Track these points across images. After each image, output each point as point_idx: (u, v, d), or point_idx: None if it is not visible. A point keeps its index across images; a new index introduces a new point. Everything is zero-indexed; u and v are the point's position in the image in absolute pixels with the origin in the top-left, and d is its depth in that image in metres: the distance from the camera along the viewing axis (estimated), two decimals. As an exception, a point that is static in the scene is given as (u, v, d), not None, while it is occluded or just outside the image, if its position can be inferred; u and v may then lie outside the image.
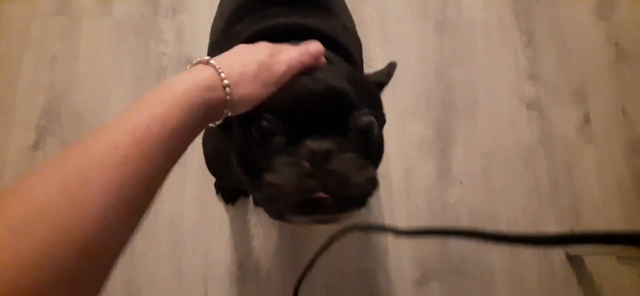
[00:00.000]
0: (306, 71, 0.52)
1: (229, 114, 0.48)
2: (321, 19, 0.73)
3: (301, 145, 0.48)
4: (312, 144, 0.47)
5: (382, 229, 0.55)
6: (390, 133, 1.24)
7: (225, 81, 0.45)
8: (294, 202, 0.48)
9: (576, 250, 1.18)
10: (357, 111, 0.50)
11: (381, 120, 0.58)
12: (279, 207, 0.50)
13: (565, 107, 1.30)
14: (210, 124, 0.48)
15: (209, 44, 0.85)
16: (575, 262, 1.19)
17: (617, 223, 1.22)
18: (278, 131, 0.50)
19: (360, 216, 0.52)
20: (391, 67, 0.63)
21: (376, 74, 0.63)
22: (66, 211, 0.31)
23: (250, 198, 1.19)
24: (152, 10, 1.31)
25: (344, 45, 0.71)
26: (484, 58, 1.33)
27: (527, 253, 1.19)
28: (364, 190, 0.50)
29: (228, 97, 0.45)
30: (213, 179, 1.16)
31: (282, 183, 0.48)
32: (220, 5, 0.88)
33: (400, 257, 1.17)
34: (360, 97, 0.52)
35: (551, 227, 1.21)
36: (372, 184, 0.50)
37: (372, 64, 1.30)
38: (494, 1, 1.38)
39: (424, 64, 1.32)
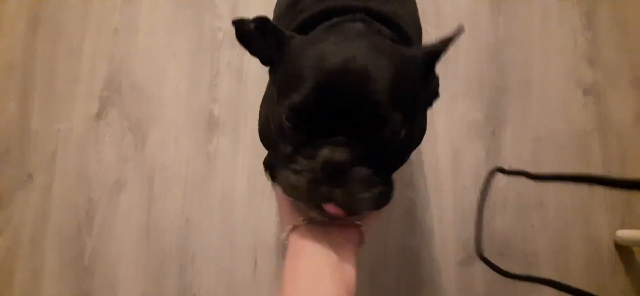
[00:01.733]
0: (352, 63, 0.49)
1: None
2: (388, 3, 0.72)
3: (320, 148, 0.48)
4: (328, 152, 0.47)
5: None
6: (439, 113, 1.25)
7: None
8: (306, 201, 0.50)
9: (627, 240, 1.16)
10: (386, 124, 0.48)
11: (416, 118, 0.56)
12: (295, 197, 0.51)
13: (624, 93, 1.25)
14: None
15: (273, 17, 0.85)
16: (623, 252, 1.18)
17: (670, 216, 1.19)
18: (302, 128, 0.49)
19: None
20: (455, 33, 0.59)
21: (434, 44, 0.58)
22: None
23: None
24: (208, -15, 1.34)
25: (406, 32, 0.71)
26: (540, 39, 1.29)
27: (575, 239, 1.18)
28: (370, 207, 0.50)
29: None
30: (264, 154, 1.20)
31: (294, 185, 0.49)
32: None
33: (445, 237, 1.19)
34: (397, 102, 0.49)
35: (601, 216, 1.19)
36: (380, 201, 0.50)
37: (425, 42, 1.28)
38: (554, -20, 1.33)
39: (477, 44, 1.30)
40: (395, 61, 0.51)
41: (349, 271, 0.49)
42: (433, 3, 1.32)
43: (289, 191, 0.50)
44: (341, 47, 0.50)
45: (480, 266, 1.17)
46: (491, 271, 1.17)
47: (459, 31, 0.58)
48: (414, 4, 0.86)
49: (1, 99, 1.28)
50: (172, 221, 1.20)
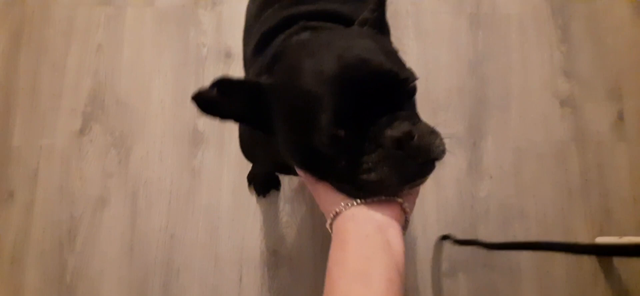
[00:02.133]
0: (345, 54, 0.50)
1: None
2: (348, 4, 0.74)
3: (378, 137, 0.49)
4: (391, 131, 0.48)
5: (475, 242, 0.57)
6: (421, 126, 1.27)
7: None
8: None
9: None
10: (406, 80, 0.51)
11: None
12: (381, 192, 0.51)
13: (600, 104, 1.29)
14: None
15: (244, 27, 0.88)
16: (603, 259, 1.20)
17: (647, 222, 1.22)
18: (346, 131, 0.49)
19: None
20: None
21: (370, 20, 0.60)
22: None
23: (282, 190, 1.23)
24: (192, 1, 1.35)
25: None
26: (517, 53, 1.33)
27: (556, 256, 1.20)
28: (444, 148, 0.51)
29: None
30: (248, 168, 1.20)
31: (383, 178, 0.49)
32: None
33: (429, 248, 1.20)
34: (395, 59, 0.52)
35: (581, 224, 1.22)
36: (443, 140, 0.52)
37: (406, 57, 1.31)
38: (530, -4, 1.37)
39: (458, 58, 1.33)
40: (368, 34, 0.55)
41: (398, 251, 0.48)
42: (415, 18, 1.35)
43: (377, 188, 0.50)
44: (325, 52, 0.51)
45: (464, 278, 1.18)
46: (476, 280, 1.19)
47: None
48: None
49: (-18, 116, 1.27)
50: (156, 237, 1.19)
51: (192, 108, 1.27)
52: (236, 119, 0.57)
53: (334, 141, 0.49)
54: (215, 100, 0.54)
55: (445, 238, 1.18)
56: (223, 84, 0.53)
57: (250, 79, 0.57)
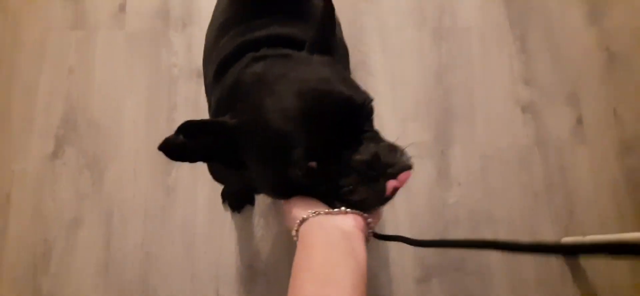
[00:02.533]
0: (304, 88, 0.54)
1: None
2: (298, 27, 0.77)
3: (350, 161, 0.53)
4: (360, 155, 0.53)
5: (401, 239, 0.61)
6: (391, 136, 1.30)
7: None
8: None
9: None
10: (359, 102, 0.55)
11: None
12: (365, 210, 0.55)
13: (559, 110, 1.35)
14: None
15: (203, 52, 0.90)
16: (570, 258, 1.25)
17: (610, 221, 1.27)
18: (318, 162, 0.54)
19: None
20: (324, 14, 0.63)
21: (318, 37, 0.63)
22: None
23: (256, 204, 1.25)
24: (163, 23, 1.38)
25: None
26: (479, 63, 1.38)
27: (525, 258, 1.23)
28: (409, 159, 0.56)
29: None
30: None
31: (363, 199, 0.53)
32: (211, 19, 0.91)
33: (402, 255, 1.23)
34: (351, 88, 0.56)
35: (546, 226, 1.26)
36: (407, 152, 0.57)
37: (373, 71, 1.36)
38: (488, 9, 1.43)
39: (423, 70, 1.38)
40: (320, 61, 0.59)
41: (362, 259, 0.50)
42: (380, 34, 1.40)
43: (360, 207, 0.54)
44: (284, 87, 0.55)
45: (437, 282, 1.21)
46: (450, 284, 1.22)
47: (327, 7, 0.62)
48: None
49: (-48, 143, 1.27)
50: (132, 256, 1.20)
51: (166, 126, 1.28)
52: (205, 160, 0.61)
53: (309, 173, 0.53)
54: (183, 145, 0.56)
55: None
56: (188, 128, 0.56)
57: (215, 120, 0.60)
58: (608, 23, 1.42)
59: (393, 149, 0.55)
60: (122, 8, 1.39)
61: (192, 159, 0.59)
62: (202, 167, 1.26)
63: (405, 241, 0.66)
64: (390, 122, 1.32)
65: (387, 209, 1.25)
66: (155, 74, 1.34)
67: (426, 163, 1.30)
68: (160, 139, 1.36)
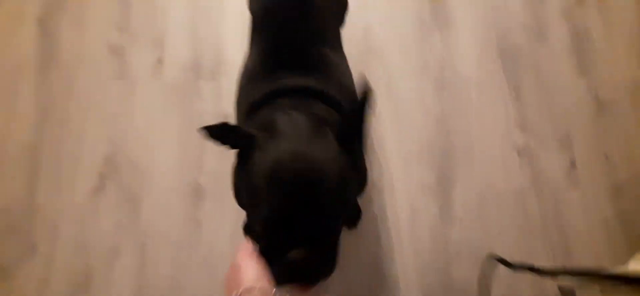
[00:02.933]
0: (296, 177, 0.65)
1: None
2: (317, 79, 0.91)
3: (290, 250, 0.64)
4: (294, 254, 0.64)
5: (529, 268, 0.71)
6: (396, 177, 1.43)
7: None
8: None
9: (569, 282, 1.30)
10: (330, 229, 0.67)
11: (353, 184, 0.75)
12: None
13: (553, 154, 1.46)
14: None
15: (236, 98, 1.04)
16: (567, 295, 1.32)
17: (603, 259, 1.34)
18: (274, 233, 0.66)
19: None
20: (365, 94, 0.70)
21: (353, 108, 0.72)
22: None
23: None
24: (194, 75, 1.55)
25: (335, 99, 0.90)
26: (478, 110, 1.51)
27: (524, 287, 1.32)
28: (326, 274, 0.69)
29: None
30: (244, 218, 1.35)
31: (282, 273, 0.66)
32: (243, 69, 1.03)
33: (409, 287, 1.33)
34: (337, 201, 0.66)
35: (544, 262, 1.34)
36: (332, 269, 0.70)
37: (380, 116, 1.49)
38: (485, 61, 1.57)
39: (426, 116, 1.51)
40: (330, 151, 0.69)
41: None
42: (386, 83, 1.54)
43: (282, 281, 0.65)
44: (290, 161, 0.66)
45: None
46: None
47: (367, 93, 0.70)
48: (347, 75, 1.02)
49: (11, 178, 1.45)
50: (163, 283, 1.33)
51: (196, 166, 1.43)
52: (232, 146, 0.75)
53: (265, 231, 0.66)
54: (219, 133, 0.72)
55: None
56: (223, 127, 0.72)
57: (247, 129, 0.75)
58: (596, 74, 1.54)
59: (323, 262, 0.68)
60: (160, 61, 1.57)
61: (223, 142, 0.73)
62: (228, 203, 1.40)
63: (534, 271, 0.76)
64: (396, 163, 1.45)
65: (394, 245, 1.36)
66: (187, 119, 1.51)
67: (429, 202, 1.41)
68: (191, 178, 1.49)
